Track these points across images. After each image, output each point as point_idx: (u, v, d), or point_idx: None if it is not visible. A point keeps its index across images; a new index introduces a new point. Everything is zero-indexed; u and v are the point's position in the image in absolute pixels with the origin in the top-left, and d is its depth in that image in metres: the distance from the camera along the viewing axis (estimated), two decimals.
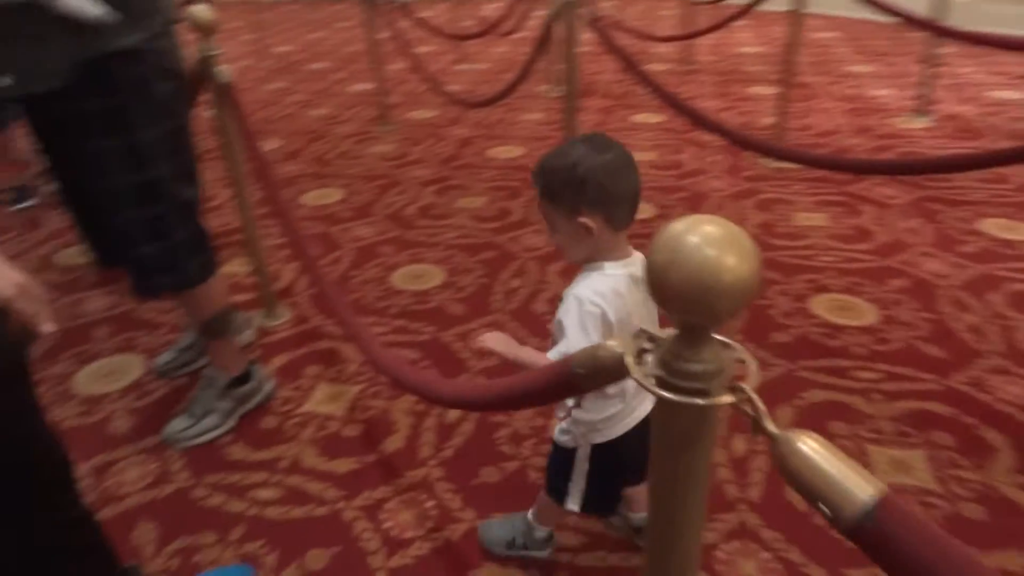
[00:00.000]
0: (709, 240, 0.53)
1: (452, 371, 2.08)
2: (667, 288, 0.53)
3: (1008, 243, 2.66)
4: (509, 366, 1.17)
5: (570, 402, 1.22)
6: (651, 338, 0.63)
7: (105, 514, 1.64)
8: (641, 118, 4.27)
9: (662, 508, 0.67)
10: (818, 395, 1.96)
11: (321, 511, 1.64)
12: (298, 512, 1.64)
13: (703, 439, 0.60)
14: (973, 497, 1.61)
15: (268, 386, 2.01)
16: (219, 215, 3.04)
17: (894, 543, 0.50)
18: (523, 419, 1.87)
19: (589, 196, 1.08)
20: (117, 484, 1.74)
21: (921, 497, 1.62)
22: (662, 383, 0.58)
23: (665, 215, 3.03)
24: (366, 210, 3.20)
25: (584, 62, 5.34)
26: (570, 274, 2.60)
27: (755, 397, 0.56)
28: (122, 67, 1.45)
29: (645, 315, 1.18)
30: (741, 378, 0.59)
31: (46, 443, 1.14)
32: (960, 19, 3.70)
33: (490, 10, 6.24)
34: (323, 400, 2.00)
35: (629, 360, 0.62)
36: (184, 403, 1.96)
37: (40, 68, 1.39)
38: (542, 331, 2.19)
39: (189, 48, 1.78)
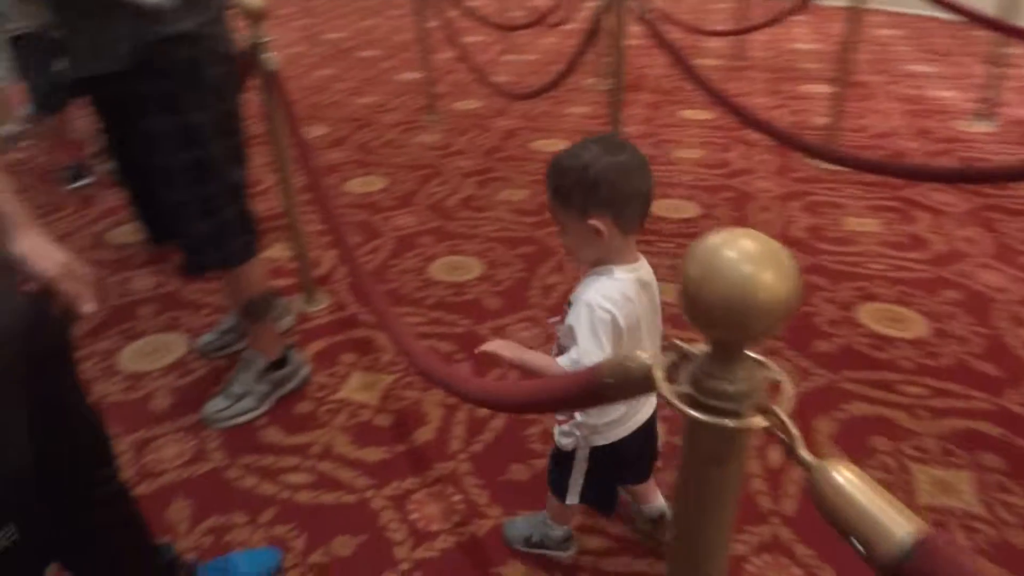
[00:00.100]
0: (746, 255, 0.50)
1: (486, 366, 2.07)
2: (700, 304, 0.51)
3: None
4: (515, 371, 1.16)
5: None
6: (682, 352, 0.60)
7: (142, 489, 1.68)
8: (689, 114, 4.19)
9: (688, 527, 0.65)
10: (861, 408, 1.90)
11: (350, 498, 1.66)
12: (328, 498, 1.66)
13: (732, 461, 0.58)
14: (1021, 523, 1.54)
15: (304, 371, 2.03)
16: (264, 200, 3.08)
17: None
18: (555, 418, 1.85)
19: (600, 198, 1.07)
20: (155, 460, 1.78)
21: (965, 521, 1.56)
22: (691, 401, 0.56)
23: (709, 215, 2.97)
24: (408, 199, 3.21)
25: (633, 56, 5.26)
26: None
27: (789, 422, 0.54)
28: (177, 51, 1.51)
29: (651, 320, 1.18)
30: (775, 398, 0.57)
31: (87, 419, 1.17)
32: None
33: (540, 1, 6.19)
34: (357, 388, 2.02)
35: (658, 375, 0.60)
36: (222, 384, 1.99)
37: (100, 51, 1.46)
38: None
39: (240, 34, 1.80)
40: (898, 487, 1.65)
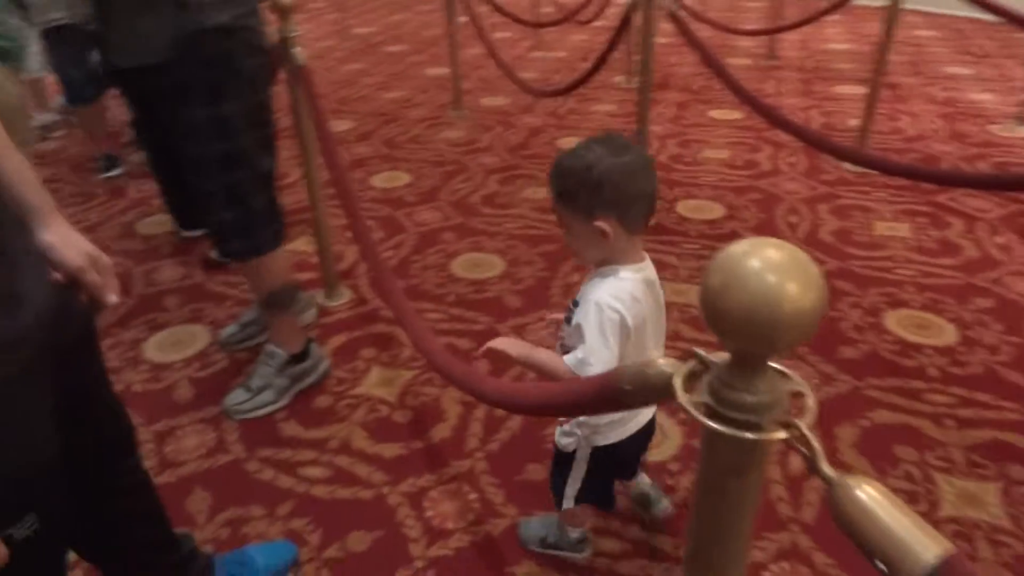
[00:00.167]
0: (771, 265, 0.49)
1: (504, 364, 2.07)
2: (722, 314, 0.50)
3: None
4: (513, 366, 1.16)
5: None
6: (702, 361, 0.59)
7: (163, 479, 1.70)
8: (718, 114, 4.14)
9: (705, 538, 0.64)
10: (885, 416, 1.86)
11: (366, 494, 1.66)
12: (344, 493, 1.66)
13: (751, 474, 0.56)
14: None
15: (324, 365, 2.04)
16: (290, 193, 3.10)
17: None
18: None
19: (605, 198, 1.07)
20: (176, 451, 1.80)
21: (991, 534, 1.52)
22: (710, 412, 0.55)
23: (735, 216, 2.93)
24: (432, 195, 3.21)
25: (663, 54, 5.22)
26: None
27: (810, 435, 0.52)
28: (216, 42, 1.54)
29: (656, 320, 1.18)
30: (797, 410, 0.55)
31: (112, 409, 1.18)
32: None
33: None
34: (376, 383, 2.03)
35: (677, 383, 0.59)
36: (243, 376, 2.01)
37: (139, 43, 1.50)
38: None
39: (270, 27, 1.81)
40: (922, 498, 1.62)
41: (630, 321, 1.08)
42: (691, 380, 0.59)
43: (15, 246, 0.88)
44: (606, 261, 1.14)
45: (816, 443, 0.52)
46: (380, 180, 3.39)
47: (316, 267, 2.47)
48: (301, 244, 2.73)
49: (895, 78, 4.58)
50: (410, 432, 1.84)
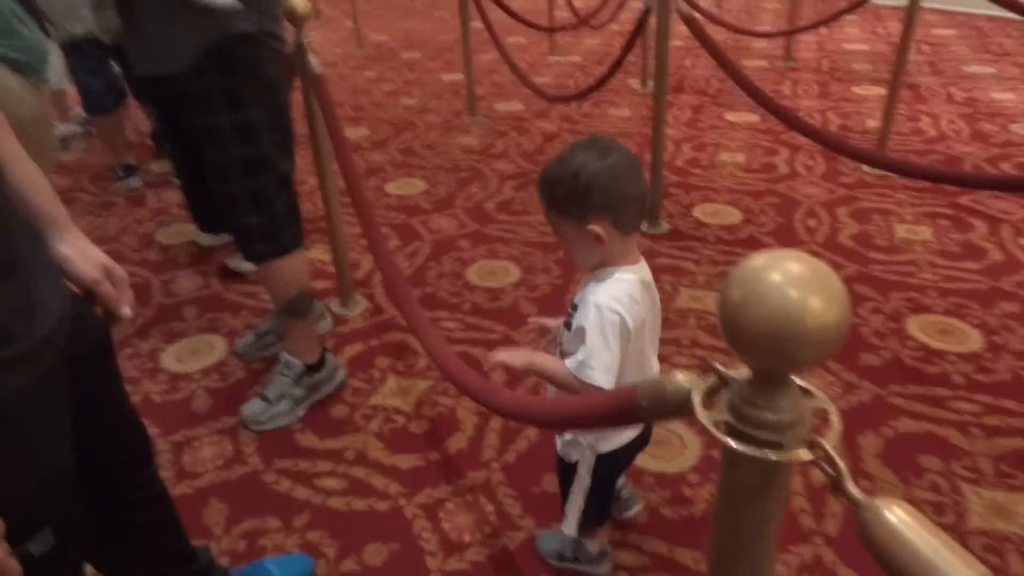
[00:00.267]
0: (792, 279, 0.47)
1: (520, 374, 2.05)
2: (741, 330, 0.48)
3: None
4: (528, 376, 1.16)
5: None
6: (722, 376, 0.57)
7: (180, 490, 1.70)
8: (734, 117, 4.10)
9: (725, 559, 0.62)
10: (909, 425, 1.82)
11: (382, 506, 1.65)
12: (360, 504, 1.66)
13: (773, 495, 0.54)
14: None
15: (340, 375, 2.04)
16: (305, 201, 3.11)
17: None
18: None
19: (595, 203, 1.07)
20: (193, 462, 1.80)
21: (1022, 547, 1.48)
22: (730, 430, 0.53)
23: (752, 220, 2.90)
24: (447, 202, 3.20)
25: (678, 56, 5.19)
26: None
27: (836, 455, 0.50)
28: (239, 49, 1.57)
29: (653, 322, 1.18)
30: (821, 427, 0.53)
31: (128, 421, 1.18)
32: None
33: (584, 2, 6.16)
34: (392, 393, 2.02)
35: (696, 399, 0.57)
36: (260, 386, 2.01)
37: (167, 53, 1.53)
38: None
39: (287, 35, 1.82)
40: (949, 510, 1.58)
41: (630, 323, 1.09)
42: (710, 396, 0.58)
43: (31, 257, 0.88)
44: (602, 264, 1.14)
45: (841, 463, 0.50)
46: (395, 187, 3.40)
47: (332, 276, 2.47)
48: (317, 253, 2.74)
49: (914, 78, 4.52)
50: (426, 443, 1.83)
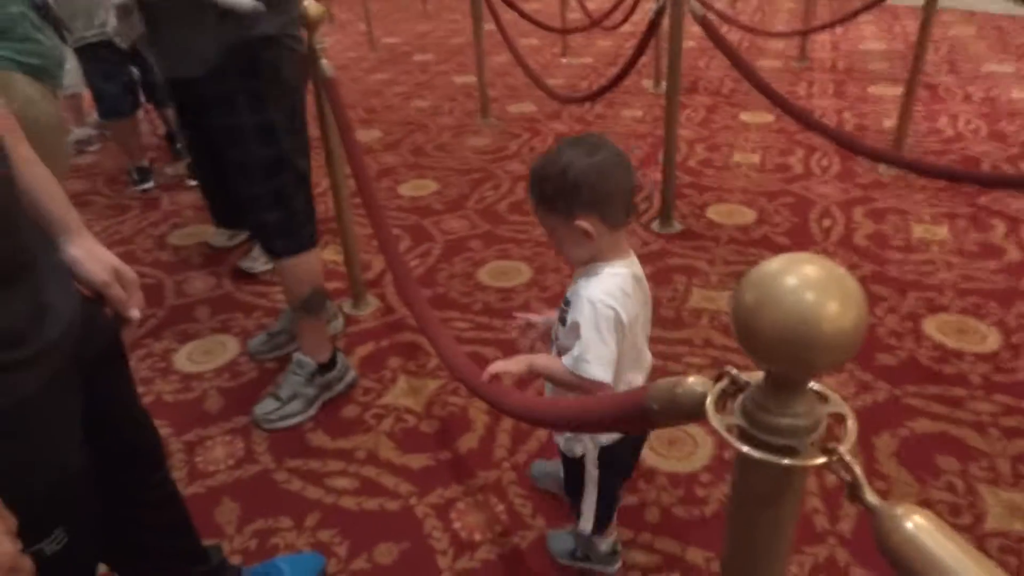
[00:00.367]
0: (808, 282, 0.46)
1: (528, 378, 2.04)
2: (756, 334, 0.47)
3: None
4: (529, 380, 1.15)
5: None
6: (735, 381, 0.56)
7: (193, 490, 1.71)
8: (748, 117, 4.07)
9: (739, 562, 0.61)
10: (925, 425, 1.80)
11: (393, 505, 1.65)
12: (371, 504, 1.66)
13: (787, 501, 0.53)
14: None
15: (351, 375, 2.04)
16: (317, 203, 3.10)
17: None
18: None
19: (583, 199, 1.08)
20: (205, 461, 1.81)
21: None
22: (744, 435, 0.52)
23: (767, 220, 2.87)
24: (459, 203, 3.20)
25: (691, 57, 5.16)
26: (660, 280, 2.51)
27: (853, 461, 0.49)
28: (261, 52, 1.60)
29: (645, 315, 1.20)
30: (837, 432, 0.52)
31: (139, 423, 1.18)
32: None
33: (597, 3, 6.14)
34: (403, 393, 2.02)
35: (709, 404, 0.56)
36: (272, 386, 2.02)
37: (192, 55, 1.56)
38: None
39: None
40: (965, 511, 1.56)
41: (624, 317, 1.10)
42: (723, 400, 0.57)
43: (41, 260, 0.89)
44: (593, 259, 1.15)
45: (858, 469, 0.49)
46: (408, 189, 3.40)
47: (343, 276, 2.48)
48: (328, 254, 2.74)
49: (931, 77, 4.47)
50: (437, 442, 1.83)
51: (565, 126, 4.13)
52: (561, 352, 1.17)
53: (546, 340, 1.31)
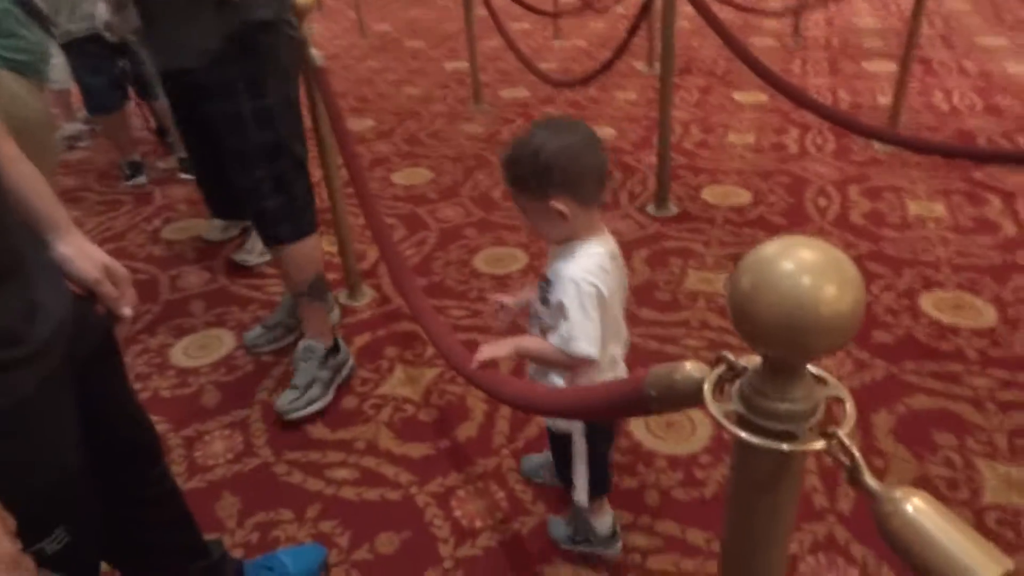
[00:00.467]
0: (805, 266, 0.46)
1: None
2: (753, 319, 0.47)
3: None
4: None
5: (560, 382, 1.24)
6: (732, 366, 0.56)
7: (193, 484, 1.71)
8: (742, 97, 4.05)
9: (739, 547, 0.61)
10: (923, 401, 1.80)
11: (394, 495, 1.65)
12: (371, 494, 1.66)
13: (786, 486, 0.53)
14: None
15: (351, 361, 2.04)
16: None
17: None
18: None
19: (555, 180, 1.10)
20: (204, 456, 1.80)
21: None
22: (742, 421, 0.52)
23: (762, 201, 2.86)
24: (453, 191, 3.19)
25: (684, 37, 5.12)
26: (656, 263, 2.50)
27: (852, 445, 0.49)
28: (260, 37, 1.60)
29: (620, 292, 1.23)
30: (836, 416, 0.52)
31: (135, 420, 1.18)
32: None
33: None
34: (401, 383, 2.01)
35: (707, 389, 0.56)
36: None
37: (190, 45, 1.56)
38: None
39: None
40: (963, 485, 1.57)
41: (605, 292, 1.13)
42: (721, 385, 0.56)
43: (32, 258, 0.88)
44: (570, 238, 1.17)
45: (858, 453, 0.49)
46: (401, 177, 3.38)
47: (338, 267, 2.47)
48: (323, 244, 2.72)
49: (926, 52, 4.45)
50: (436, 431, 1.83)
51: (558, 110, 4.11)
52: (544, 331, 1.20)
53: (523, 318, 1.34)
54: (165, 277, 2.65)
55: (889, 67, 4.17)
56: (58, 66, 3.16)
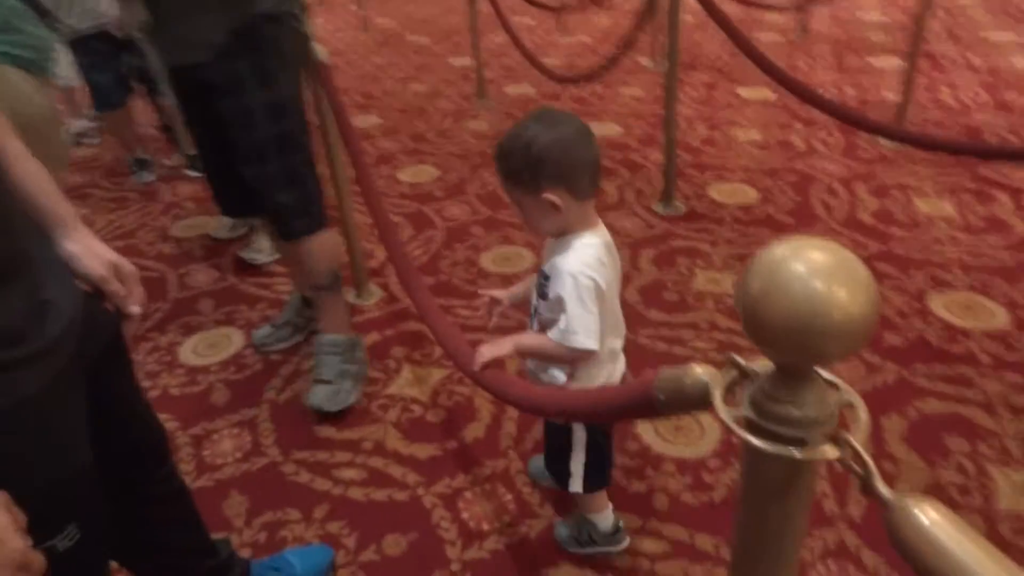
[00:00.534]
0: (816, 269, 0.45)
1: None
2: (763, 323, 0.46)
3: None
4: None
5: (561, 375, 1.23)
6: (742, 370, 0.55)
7: (201, 483, 1.71)
8: (748, 93, 4.03)
9: (749, 554, 0.60)
10: (934, 405, 1.79)
11: (401, 496, 1.65)
12: (379, 495, 1.66)
13: (797, 493, 0.52)
14: None
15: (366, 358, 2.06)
16: None
17: None
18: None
19: (548, 173, 1.10)
20: (213, 454, 1.81)
21: None
22: (752, 427, 0.51)
23: (769, 199, 2.85)
24: (459, 188, 3.18)
25: (689, 32, 5.10)
26: (664, 263, 2.49)
27: (864, 452, 0.48)
28: (266, 29, 1.60)
29: (616, 284, 1.23)
30: (848, 422, 0.51)
31: (143, 419, 1.18)
32: None
33: None
34: (408, 383, 2.01)
35: (717, 394, 0.55)
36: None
37: (197, 40, 1.55)
38: (631, 316, 2.10)
39: None
40: (975, 491, 1.55)
41: (603, 284, 1.13)
42: (731, 390, 0.56)
43: (39, 257, 0.88)
44: (564, 231, 1.17)
45: (870, 461, 0.48)
46: (407, 175, 3.37)
47: (345, 266, 2.46)
48: None
49: (932, 46, 4.41)
50: (443, 432, 1.83)
51: (564, 107, 4.08)
52: (544, 326, 1.20)
53: (518, 311, 1.33)
54: (174, 275, 2.66)
55: (895, 62, 4.14)
56: (63, 63, 3.16)
